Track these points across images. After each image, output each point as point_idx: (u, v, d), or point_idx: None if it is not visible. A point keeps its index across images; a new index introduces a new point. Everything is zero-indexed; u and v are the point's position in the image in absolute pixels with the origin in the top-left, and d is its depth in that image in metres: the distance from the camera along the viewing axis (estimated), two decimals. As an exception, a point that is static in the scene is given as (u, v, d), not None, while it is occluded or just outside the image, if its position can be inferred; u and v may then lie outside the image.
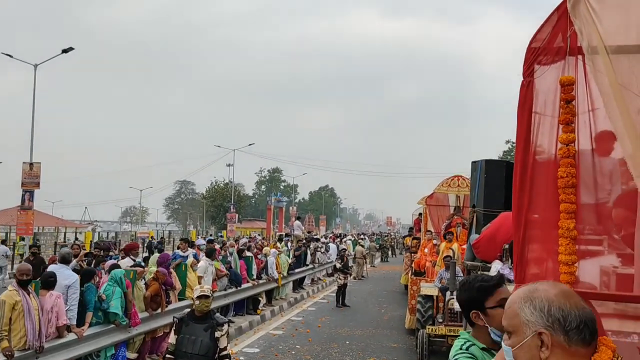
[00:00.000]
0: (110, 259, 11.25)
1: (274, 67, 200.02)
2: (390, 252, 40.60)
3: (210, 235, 46.28)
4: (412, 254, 17.94)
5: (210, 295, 5.29)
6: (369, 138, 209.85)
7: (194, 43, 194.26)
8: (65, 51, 24.93)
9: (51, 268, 7.22)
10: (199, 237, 50.18)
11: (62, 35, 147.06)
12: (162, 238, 46.99)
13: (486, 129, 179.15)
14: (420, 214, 20.80)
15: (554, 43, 1.91)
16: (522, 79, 1.98)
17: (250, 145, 53.86)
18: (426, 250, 14.85)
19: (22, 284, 5.96)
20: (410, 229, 23.12)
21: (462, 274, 10.97)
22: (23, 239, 26.39)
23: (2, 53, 26.19)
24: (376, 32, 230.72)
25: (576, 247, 1.96)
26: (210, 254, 11.56)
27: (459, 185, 14.60)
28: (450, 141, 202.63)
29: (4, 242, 25.13)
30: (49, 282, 6.45)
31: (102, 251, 12.30)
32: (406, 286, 19.25)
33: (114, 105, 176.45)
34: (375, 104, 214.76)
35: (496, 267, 5.17)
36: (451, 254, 11.30)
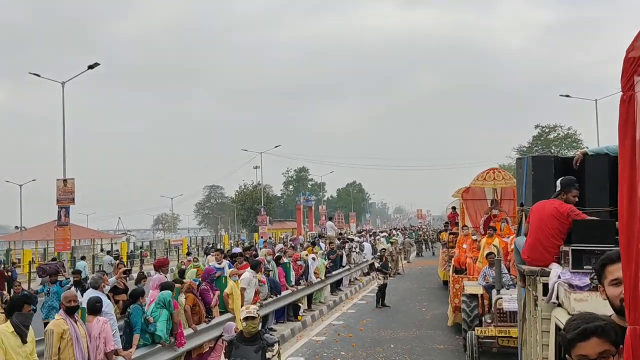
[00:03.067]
0: (60, 284, 11.11)
1: (293, 67, 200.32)
2: (424, 246, 40.11)
3: (243, 240, 46.47)
4: (450, 249, 17.66)
5: (256, 315, 5.16)
6: (393, 132, 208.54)
7: (212, 49, 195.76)
8: (91, 67, 25.26)
9: (86, 294, 7.21)
10: (231, 241, 50.53)
11: (85, 52, 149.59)
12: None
13: (512, 115, 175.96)
14: (454, 208, 20.45)
15: (655, 51, 1.69)
16: (621, 93, 1.76)
17: (276, 147, 53.79)
18: (465, 246, 14.55)
19: (69, 311, 5.93)
20: (446, 223, 22.72)
21: (507, 271, 10.69)
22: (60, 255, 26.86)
23: (30, 73, 26.69)
24: (393, 24, 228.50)
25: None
26: (256, 267, 11.44)
27: (494, 178, 14.23)
28: (476, 129, 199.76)
29: (109, 252, 26.96)
30: (96, 308, 6.42)
31: (49, 276, 11.95)
32: (445, 282, 18.99)
33: (140, 116, 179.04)
34: (397, 96, 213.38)
35: (556, 271, 4.90)
36: (494, 250, 11.00)
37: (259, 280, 11.53)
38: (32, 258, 32.91)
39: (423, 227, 65.51)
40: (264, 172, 67.73)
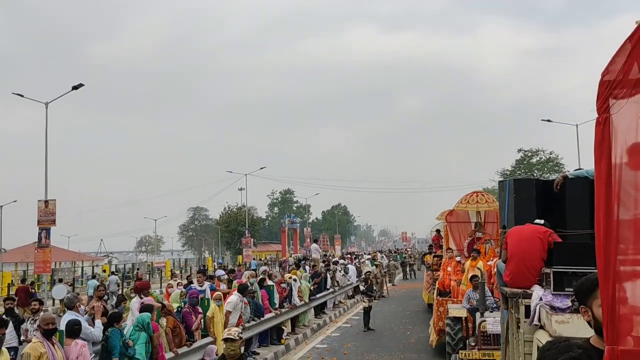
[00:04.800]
0: None
1: (278, 90, 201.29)
2: (408, 269, 40.03)
3: (220, 263, 46.07)
4: (434, 272, 17.66)
5: (237, 338, 5.07)
6: (378, 154, 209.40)
7: (197, 71, 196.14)
8: (75, 88, 25.11)
9: (65, 317, 7.06)
10: (215, 263, 50.06)
11: (71, 72, 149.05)
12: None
13: (496, 137, 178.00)
14: (438, 231, 20.52)
15: (629, 74, 1.73)
16: (596, 115, 1.79)
17: (261, 168, 53.72)
18: (449, 269, 14.57)
19: (47, 334, 5.80)
20: (430, 246, 22.78)
21: (491, 294, 10.71)
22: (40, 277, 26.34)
23: (13, 93, 26.49)
24: (377, 47, 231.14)
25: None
26: (243, 291, 11.28)
27: (477, 201, 14.37)
28: (460, 153, 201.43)
29: (113, 273, 26.67)
30: (74, 331, 6.28)
31: None
32: (429, 305, 18.95)
33: (124, 138, 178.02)
34: (382, 120, 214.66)
35: (538, 293, 4.93)
36: (478, 273, 11.03)
37: (243, 303, 11.41)
38: (12, 280, 32.25)
39: (408, 249, 65.55)
40: (249, 194, 67.59)
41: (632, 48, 1.67)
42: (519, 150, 58.26)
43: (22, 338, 9.23)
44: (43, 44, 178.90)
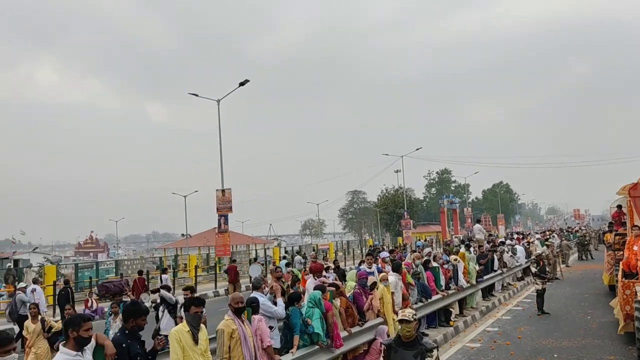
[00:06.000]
0: (122, 303, 10.12)
1: (431, 65, 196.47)
2: (583, 249, 36.91)
3: (377, 244, 46.50)
4: (616, 252, 16.14)
5: (412, 319, 5.12)
6: (541, 127, 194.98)
7: (350, 54, 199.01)
8: (242, 84, 27.05)
9: (251, 295, 7.70)
10: (376, 243, 50.83)
11: (234, 70, 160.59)
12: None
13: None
14: (619, 206, 18.60)
15: None
16: None
17: (417, 149, 53.18)
18: (635, 248, 13.15)
19: (237, 312, 6.40)
20: (610, 223, 20.75)
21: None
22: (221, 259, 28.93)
23: (189, 93, 29.29)
24: (536, 16, 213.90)
25: None
26: (397, 268, 11.48)
27: (669, 171, 12.72)
28: (633, 122, 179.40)
29: (299, 254, 29.67)
30: (254, 308, 6.90)
31: (113, 296, 11.59)
32: (611, 287, 17.35)
33: (283, 127, 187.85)
34: (542, 89, 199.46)
35: None
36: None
37: (410, 284, 11.47)
38: (197, 263, 35.86)
39: (582, 227, 60.42)
40: (406, 175, 67.41)
41: None
42: None
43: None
44: (207, 44, 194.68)
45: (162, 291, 10.37)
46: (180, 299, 9.60)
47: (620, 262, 13.67)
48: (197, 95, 28.89)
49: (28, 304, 13.27)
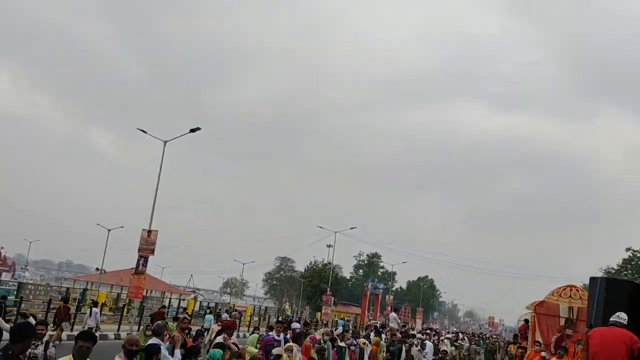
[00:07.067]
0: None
1: (380, 154, 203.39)
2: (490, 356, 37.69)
3: (289, 316, 46.00)
4: (516, 364, 16.71)
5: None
6: (473, 233, 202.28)
7: (303, 128, 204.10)
8: (192, 130, 27.20)
9: (150, 341, 7.54)
10: (293, 316, 50.16)
11: (189, 116, 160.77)
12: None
13: (603, 234, 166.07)
14: (526, 320, 19.42)
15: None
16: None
17: (351, 228, 54.04)
18: (533, 362, 13.73)
19: (130, 355, 6.25)
20: (515, 335, 21.57)
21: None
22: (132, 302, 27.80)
23: (138, 129, 29.07)
24: (485, 125, 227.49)
25: None
26: (297, 339, 11.34)
27: (570, 296, 13.57)
28: (563, 244, 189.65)
29: (209, 312, 27.65)
30: (150, 353, 6.74)
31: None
32: (508, 398, 17.80)
33: (225, 181, 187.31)
34: (481, 198, 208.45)
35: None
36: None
37: (313, 359, 11.44)
38: (105, 301, 34.28)
39: (493, 336, 61.94)
40: (337, 252, 67.92)
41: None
42: (628, 249, 54.27)
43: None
44: (169, 85, 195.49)
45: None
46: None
47: (518, 374, 14.20)
48: (145, 132, 28.72)
49: None
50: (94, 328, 18.79)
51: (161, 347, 7.26)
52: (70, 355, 5.52)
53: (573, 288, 14.07)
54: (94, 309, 20.60)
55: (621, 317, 5.32)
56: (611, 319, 5.29)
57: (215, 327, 15.26)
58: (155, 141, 28.56)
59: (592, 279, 6.94)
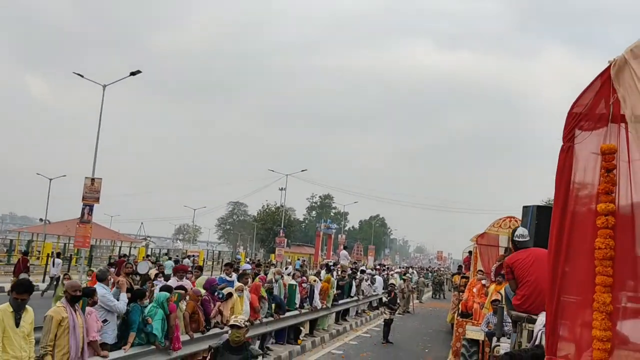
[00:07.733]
0: None
1: (327, 96, 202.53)
2: (438, 288, 39.56)
3: (238, 259, 46.72)
4: (460, 293, 17.50)
5: (243, 325, 5.28)
6: (422, 170, 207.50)
7: (252, 70, 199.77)
8: (133, 74, 26.09)
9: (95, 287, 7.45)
10: (247, 259, 50.76)
11: (131, 58, 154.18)
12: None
13: (541, 167, 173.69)
14: (470, 252, 20.28)
15: (596, 109, 1.85)
16: (561, 143, 1.93)
17: (303, 171, 54.27)
18: (474, 290, 14.42)
19: (72, 301, 6.17)
20: (460, 266, 22.55)
21: (509, 320, 10.57)
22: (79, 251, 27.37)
23: (74, 73, 27.65)
24: (431, 63, 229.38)
25: (610, 323, 1.86)
26: (241, 277, 11.45)
27: (510, 226, 14.17)
28: (503, 178, 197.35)
29: (170, 258, 28.08)
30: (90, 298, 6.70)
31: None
32: (452, 324, 18.77)
33: (173, 126, 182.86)
34: (428, 135, 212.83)
35: (542, 319, 4.95)
36: (500, 298, 10.91)
37: (263, 297, 11.64)
38: (52, 252, 33.55)
39: (441, 269, 64.64)
40: (289, 195, 68.19)
41: (601, 85, 1.80)
42: (567, 182, 56.87)
43: None
44: (108, 27, 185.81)
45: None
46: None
47: (460, 303, 14.92)
48: (82, 76, 27.39)
49: None
50: (58, 277, 18.99)
51: (102, 289, 7.20)
52: (9, 303, 5.41)
53: (512, 219, 14.70)
54: (56, 260, 21.57)
55: (524, 234, 5.56)
56: (519, 240, 5.52)
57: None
58: (96, 86, 27.35)
59: (525, 207, 7.22)
